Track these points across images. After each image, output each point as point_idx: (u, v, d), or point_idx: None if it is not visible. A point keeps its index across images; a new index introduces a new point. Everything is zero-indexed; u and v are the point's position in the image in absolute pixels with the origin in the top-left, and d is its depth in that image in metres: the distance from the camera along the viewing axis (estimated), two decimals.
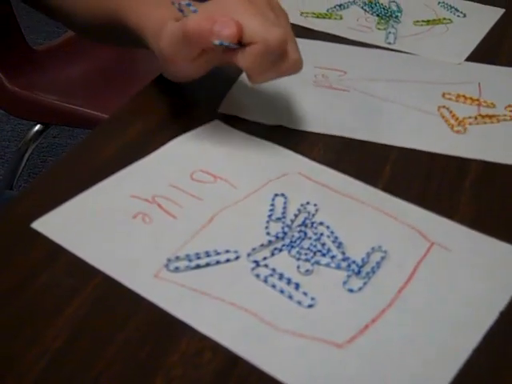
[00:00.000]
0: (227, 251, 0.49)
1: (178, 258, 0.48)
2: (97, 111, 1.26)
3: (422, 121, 0.67)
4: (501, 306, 0.47)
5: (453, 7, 0.91)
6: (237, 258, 0.49)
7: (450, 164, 0.61)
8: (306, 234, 0.51)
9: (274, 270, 0.48)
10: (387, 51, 0.80)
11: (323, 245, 0.50)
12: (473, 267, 0.50)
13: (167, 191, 0.54)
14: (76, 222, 0.51)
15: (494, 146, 0.64)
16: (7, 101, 1.31)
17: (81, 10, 0.71)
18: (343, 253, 0.50)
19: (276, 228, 0.52)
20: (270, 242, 0.50)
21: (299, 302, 0.46)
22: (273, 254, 0.49)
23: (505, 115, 0.68)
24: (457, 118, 0.67)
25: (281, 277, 0.47)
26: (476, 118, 0.67)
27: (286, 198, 0.54)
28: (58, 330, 0.43)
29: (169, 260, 0.48)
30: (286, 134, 0.63)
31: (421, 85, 0.73)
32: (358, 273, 0.48)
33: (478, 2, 0.95)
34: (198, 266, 0.48)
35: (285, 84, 0.68)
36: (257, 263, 0.48)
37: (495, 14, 0.92)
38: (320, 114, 0.66)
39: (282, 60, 0.54)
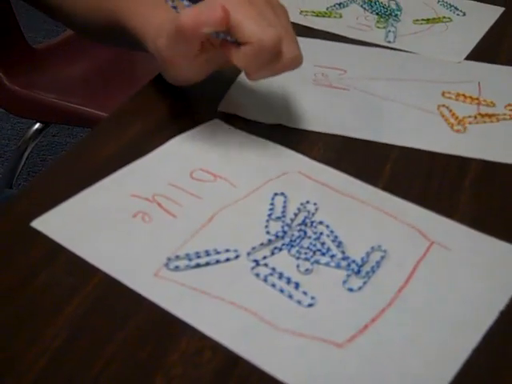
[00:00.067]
0: (227, 250, 0.49)
1: (177, 257, 0.48)
2: (96, 110, 1.26)
3: (422, 120, 0.67)
4: (501, 305, 0.47)
5: (452, 6, 0.91)
6: (237, 257, 0.49)
7: (451, 163, 0.61)
8: (305, 233, 0.51)
9: (273, 269, 0.48)
10: (387, 50, 0.80)
11: (323, 244, 0.50)
12: (473, 266, 0.50)
13: (167, 190, 0.54)
14: (76, 221, 0.51)
15: (493, 145, 0.64)
16: (6, 99, 1.31)
17: (80, 11, 0.71)
18: (343, 252, 0.50)
19: (276, 227, 0.51)
20: (269, 241, 0.50)
21: (299, 302, 0.46)
22: (273, 253, 0.49)
23: (504, 114, 0.68)
24: (456, 117, 0.67)
25: (280, 276, 0.47)
26: (476, 117, 0.67)
27: (285, 197, 0.54)
28: (58, 328, 0.43)
29: (169, 259, 0.48)
30: (286, 133, 0.62)
31: (420, 83, 0.73)
32: (358, 272, 0.48)
33: (477, 1, 0.95)
34: (197, 265, 0.48)
35: (284, 83, 0.68)
36: (257, 262, 0.48)
37: (495, 12, 0.92)
38: (320, 112, 0.66)
39: (277, 59, 0.54)
